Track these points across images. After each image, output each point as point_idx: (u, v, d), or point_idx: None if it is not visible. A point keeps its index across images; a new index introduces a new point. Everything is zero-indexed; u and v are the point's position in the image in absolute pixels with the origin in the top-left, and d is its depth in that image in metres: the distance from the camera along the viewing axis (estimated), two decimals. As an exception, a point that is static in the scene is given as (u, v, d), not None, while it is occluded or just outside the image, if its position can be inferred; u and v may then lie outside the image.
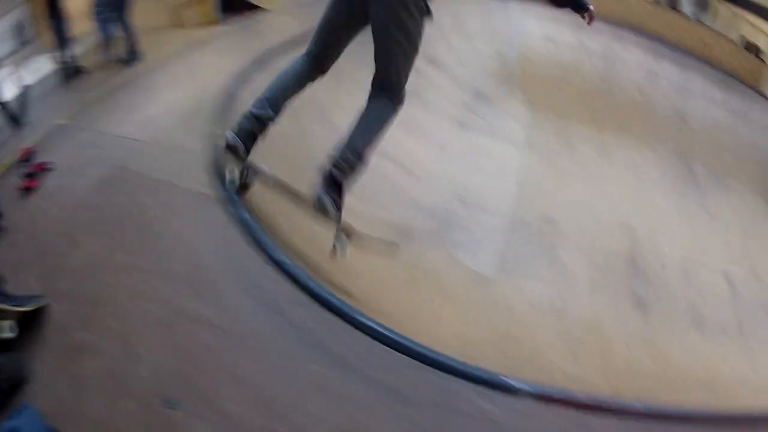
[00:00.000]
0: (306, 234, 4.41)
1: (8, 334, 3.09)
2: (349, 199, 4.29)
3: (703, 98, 12.48)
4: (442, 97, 8.61)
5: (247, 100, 4.35)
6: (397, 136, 6.56)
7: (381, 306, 4.18)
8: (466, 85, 9.54)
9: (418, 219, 5.90)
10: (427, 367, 3.15)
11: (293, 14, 9.42)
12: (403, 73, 4.00)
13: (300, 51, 4.23)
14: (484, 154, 7.93)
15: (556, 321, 5.48)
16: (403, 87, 4.09)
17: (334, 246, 3.99)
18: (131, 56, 7.43)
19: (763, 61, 14.31)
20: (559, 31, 12.11)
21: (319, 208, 3.83)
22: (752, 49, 14.74)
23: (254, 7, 12.85)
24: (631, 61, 12.42)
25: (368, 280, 4.59)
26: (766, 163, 11.64)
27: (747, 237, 8.96)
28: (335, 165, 3.85)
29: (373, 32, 3.86)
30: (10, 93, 5.89)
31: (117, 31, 7.42)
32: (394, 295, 4.67)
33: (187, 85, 6.30)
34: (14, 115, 5.67)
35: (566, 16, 10.68)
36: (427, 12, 3.81)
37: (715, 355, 6.15)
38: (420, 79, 8.19)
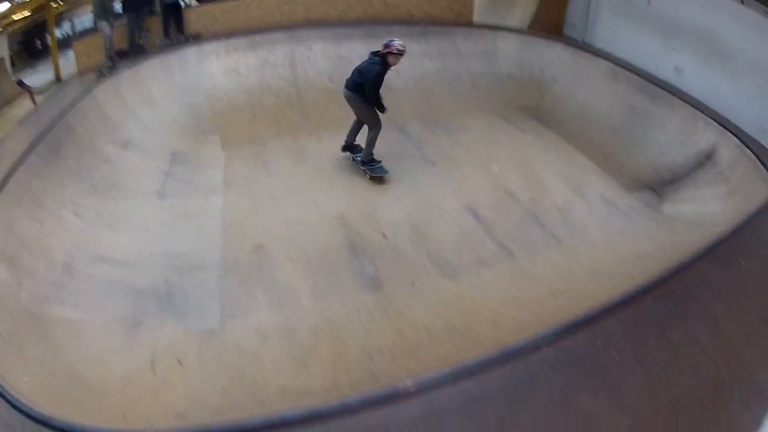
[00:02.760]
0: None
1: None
2: (70, 313, 5.66)
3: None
4: (140, 177, 9.00)
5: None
6: (102, 235, 7.47)
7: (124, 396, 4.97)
8: (162, 153, 9.93)
9: (141, 303, 6.34)
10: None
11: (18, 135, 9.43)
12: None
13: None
14: (187, 215, 8.25)
15: (285, 341, 5.90)
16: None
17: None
18: None
19: None
20: (240, 58, 12.74)
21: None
22: None
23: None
24: (317, 56, 13.02)
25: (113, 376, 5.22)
26: (487, 86, 13.00)
27: (490, 160, 9.87)
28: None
29: None
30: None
31: None
32: (138, 382, 5.24)
33: None
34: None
35: (243, 40, 11.19)
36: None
37: (475, 293, 6.73)
38: (116, 168, 9.04)
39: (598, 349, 4.19)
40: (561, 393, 3.74)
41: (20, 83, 24.92)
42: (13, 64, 27.05)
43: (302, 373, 5.42)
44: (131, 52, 12.63)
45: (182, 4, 13.63)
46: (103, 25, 12.20)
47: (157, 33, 13.24)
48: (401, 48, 8.87)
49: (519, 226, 8.06)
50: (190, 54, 12.51)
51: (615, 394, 3.84)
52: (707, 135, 9.29)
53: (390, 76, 11.77)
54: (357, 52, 12.77)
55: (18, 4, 24.39)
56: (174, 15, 13.26)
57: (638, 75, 11.25)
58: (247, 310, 6.37)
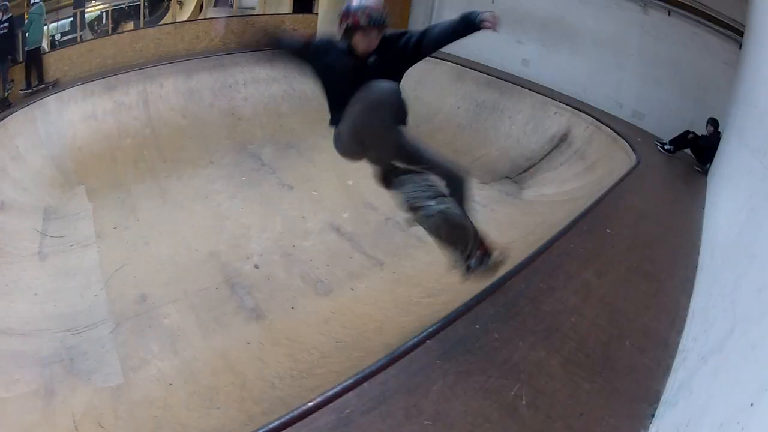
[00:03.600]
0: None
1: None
2: None
3: (246, 84, 14.10)
4: (18, 240, 8.99)
5: None
6: None
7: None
8: (35, 211, 9.94)
9: (48, 372, 6.40)
10: None
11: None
12: None
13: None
14: (69, 272, 8.26)
15: (189, 384, 6.08)
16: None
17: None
18: None
19: (312, 12, 16.46)
20: (96, 103, 12.90)
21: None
22: (305, 7, 16.77)
23: None
24: (169, 93, 13.39)
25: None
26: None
27: (344, 175, 10.39)
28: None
29: None
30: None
31: None
32: None
33: None
34: None
35: (98, 84, 11.23)
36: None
37: (354, 306, 7.15)
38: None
39: (478, 333, 4.38)
40: (453, 377, 3.88)
41: None
42: None
43: (214, 411, 5.58)
44: None
45: (42, 50, 13.73)
46: None
47: (19, 82, 13.27)
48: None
49: (382, 233, 8.71)
50: (51, 103, 12.46)
51: (504, 368, 4.00)
52: (559, 119, 10.16)
53: (239, 103, 12.99)
54: (207, 84, 13.55)
55: None
56: (34, 62, 13.37)
57: (486, 73, 12.09)
58: (145, 360, 6.54)
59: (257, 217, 9.37)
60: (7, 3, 12.57)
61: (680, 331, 4.73)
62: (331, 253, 8.36)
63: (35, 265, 8.42)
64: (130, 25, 27.69)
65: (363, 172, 9.51)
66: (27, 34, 13.09)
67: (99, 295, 7.73)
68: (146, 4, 15.97)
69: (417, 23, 15.15)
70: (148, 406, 5.80)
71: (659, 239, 6.82)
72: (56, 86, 13.43)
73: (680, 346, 4.48)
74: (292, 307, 7.28)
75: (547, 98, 10.72)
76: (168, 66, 13.81)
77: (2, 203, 9.79)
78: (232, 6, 16.90)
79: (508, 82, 11.66)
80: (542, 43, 11.64)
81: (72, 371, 6.41)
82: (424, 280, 7.34)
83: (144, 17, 15.43)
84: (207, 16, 17.30)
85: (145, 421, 5.55)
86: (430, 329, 4.39)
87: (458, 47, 13.03)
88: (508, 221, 8.49)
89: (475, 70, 12.39)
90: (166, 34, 15.09)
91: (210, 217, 9.53)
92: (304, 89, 13.81)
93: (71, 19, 27.97)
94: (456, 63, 12.90)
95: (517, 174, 9.93)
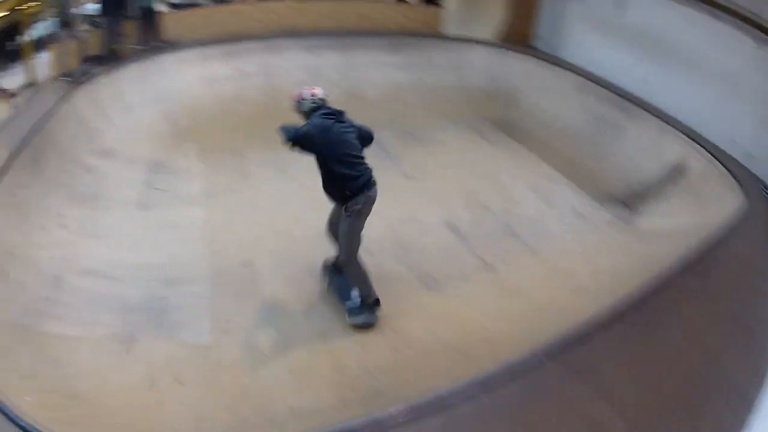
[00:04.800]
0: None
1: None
2: (63, 328, 5.83)
3: (371, 68, 13.55)
4: (120, 187, 9.06)
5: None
6: (88, 247, 7.50)
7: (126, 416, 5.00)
8: (141, 163, 9.99)
9: (132, 318, 6.33)
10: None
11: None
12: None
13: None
14: (171, 226, 8.21)
15: (283, 359, 5.86)
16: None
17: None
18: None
19: (440, 4, 15.80)
20: (214, 67, 12.77)
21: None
22: None
23: None
24: (290, 66, 13.08)
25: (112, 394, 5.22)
26: (458, 99, 13.27)
27: (464, 173, 10.01)
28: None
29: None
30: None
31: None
32: (138, 400, 5.26)
33: None
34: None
35: (218, 50, 11.10)
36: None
37: (462, 308, 6.77)
38: (97, 177, 9.07)
39: (592, 362, 4.37)
40: (568, 403, 3.91)
41: None
42: None
43: (307, 390, 5.41)
44: (107, 57, 12.48)
45: (157, 9, 13.61)
46: (62, 32, 11.99)
47: (132, 38, 13.14)
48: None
49: (496, 238, 8.16)
50: (166, 61, 12.47)
51: (612, 401, 4.00)
52: (676, 147, 9.49)
53: (363, 86, 12.57)
54: (331, 63, 13.16)
55: None
56: (149, 20, 13.23)
57: (607, 88, 11.49)
58: (240, 326, 6.32)
59: (377, 204, 8.59)
60: None
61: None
62: (444, 251, 7.89)
63: (136, 214, 8.44)
64: None
65: (483, 172, 9.91)
66: None
67: (201, 252, 7.63)
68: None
69: (543, 29, 14.50)
70: (234, 371, 5.68)
71: (764, 293, 6.34)
72: (172, 46, 13.29)
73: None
74: (400, 299, 6.83)
75: (667, 124, 10.02)
76: (292, 40, 13.60)
77: (108, 150, 9.92)
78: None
79: (629, 101, 10.91)
80: (663, 64, 10.90)
81: (158, 322, 6.31)
82: (534, 295, 6.96)
83: None
84: None
85: (230, 387, 5.44)
86: (548, 348, 4.38)
87: (581, 58, 12.59)
88: (620, 249, 7.97)
89: (596, 83, 11.71)
90: (290, 8, 14.77)
91: (325, 197, 8.89)
92: (430, 81, 13.57)
93: None
94: (578, 74, 12.26)
95: (630, 199, 9.31)
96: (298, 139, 6.00)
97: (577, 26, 13.35)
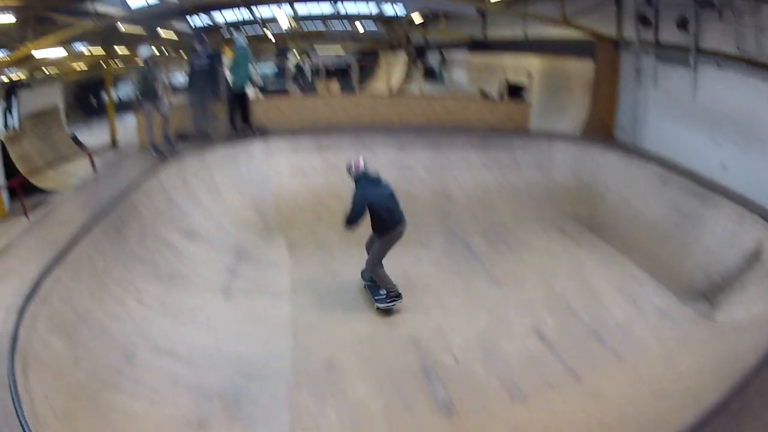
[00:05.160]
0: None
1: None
2: (132, 403, 5.55)
3: (460, 168, 13.31)
4: (204, 270, 8.97)
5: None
6: (164, 325, 7.30)
7: None
8: (227, 248, 9.98)
9: (206, 404, 6.11)
10: None
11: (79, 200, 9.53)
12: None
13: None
14: (255, 317, 8.16)
15: None
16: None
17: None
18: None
19: (525, 100, 15.82)
20: (306, 158, 12.82)
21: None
22: (513, 93, 16.25)
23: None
24: (381, 163, 12.69)
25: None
26: (543, 198, 12.89)
27: (552, 278, 9.68)
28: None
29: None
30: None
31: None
32: None
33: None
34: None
35: (309, 141, 11.23)
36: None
37: (547, 418, 6.45)
38: (179, 257, 8.94)
39: None
40: None
41: (74, 139, 25.44)
42: (66, 116, 27.61)
43: None
44: (195, 136, 12.77)
45: (249, 95, 13.78)
46: (145, 104, 11.92)
47: (222, 121, 13.40)
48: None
49: (582, 345, 7.89)
50: (257, 148, 12.65)
51: None
52: (753, 233, 9.13)
53: (452, 186, 12.43)
54: (421, 161, 13.06)
55: (75, 55, 25.03)
56: (241, 105, 13.42)
57: (686, 177, 11.19)
58: (319, 427, 6.13)
59: (463, 309, 8.78)
60: (204, 36, 13.05)
61: None
62: (531, 358, 7.63)
63: (219, 300, 8.44)
64: (335, 85, 28.48)
65: (570, 274, 9.74)
66: (232, 75, 13.21)
67: (284, 347, 7.57)
68: (353, 68, 16.43)
69: (623, 119, 14.53)
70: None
71: None
72: (263, 133, 13.48)
73: None
74: (484, 408, 6.64)
75: (744, 209, 9.61)
76: (383, 136, 13.67)
77: (193, 231, 9.85)
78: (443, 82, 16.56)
79: (709, 189, 10.58)
80: (739, 145, 10.76)
81: (234, 412, 6.16)
82: (618, 403, 6.67)
83: (350, 80, 15.43)
84: (422, 92, 17.39)
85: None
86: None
87: (660, 145, 12.47)
88: (700, 346, 7.59)
89: (677, 174, 11.40)
90: (381, 103, 15.03)
91: (413, 299, 8.97)
92: (516, 181, 13.37)
93: (275, 69, 29.40)
94: (659, 164, 12.01)
95: (711, 291, 8.89)
96: (354, 215, 8.41)
97: (655, 112, 13.30)
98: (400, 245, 9.54)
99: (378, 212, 8.44)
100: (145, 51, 11.97)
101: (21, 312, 5.49)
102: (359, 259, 9.81)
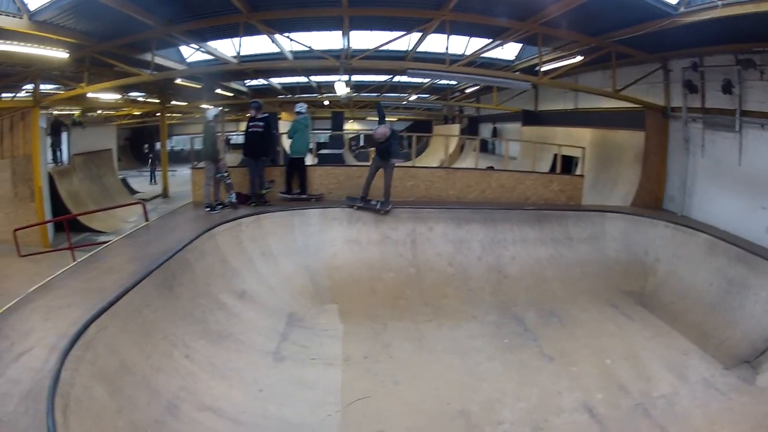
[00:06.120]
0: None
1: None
2: None
3: (515, 243, 13.26)
4: (254, 333, 8.95)
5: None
6: (212, 384, 7.28)
7: None
8: (278, 312, 10.00)
9: None
10: None
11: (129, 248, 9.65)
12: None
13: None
14: (303, 383, 8.10)
15: None
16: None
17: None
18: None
19: (576, 174, 15.89)
20: (363, 230, 12.89)
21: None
22: (565, 166, 16.64)
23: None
24: (437, 237, 13.07)
25: None
26: (595, 272, 12.80)
27: (602, 353, 9.59)
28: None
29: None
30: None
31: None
32: None
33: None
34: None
35: (368, 215, 11.32)
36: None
37: None
38: (230, 317, 8.97)
39: None
40: None
41: (125, 183, 25.94)
42: (118, 159, 28.17)
43: None
44: (251, 199, 12.93)
45: (307, 161, 13.94)
46: (206, 164, 12.38)
47: (279, 185, 13.62)
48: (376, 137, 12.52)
49: (630, 420, 7.81)
50: (314, 216, 12.79)
51: None
52: None
53: (506, 261, 12.57)
54: (476, 237, 13.08)
55: (129, 100, 25.72)
56: (298, 171, 13.61)
57: (734, 244, 11.18)
58: None
59: (514, 384, 8.72)
60: (260, 102, 13.10)
61: None
62: None
63: (268, 363, 8.44)
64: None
65: (620, 350, 9.67)
66: (291, 141, 13.44)
67: (333, 416, 7.49)
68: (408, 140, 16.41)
69: (672, 189, 14.87)
70: None
71: None
72: (320, 201, 13.68)
73: None
74: None
75: None
76: (438, 210, 13.70)
77: (244, 292, 9.86)
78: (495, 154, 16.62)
79: (756, 255, 10.59)
80: None
81: None
82: None
83: (405, 150, 15.59)
84: (476, 165, 17.75)
85: None
86: None
87: (708, 213, 12.79)
88: (741, 411, 7.75)
89: (725, 241, 11.42)
90: (438, 177, 14.95)
91: (466, 374, 8.99)
92: (569, 256, 13.24)
93: (330, 137, 29.91)
94: (709, 233, 12.01)
95: (754, 357, 8.91)
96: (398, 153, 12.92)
97: (703, 181, 13.52)
98: (453, 319, 10.60)
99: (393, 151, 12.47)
100: (212, 111, 12.43)
101: (65, 354, 5.48)
102: (412, 332, 10.11)
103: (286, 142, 14.49)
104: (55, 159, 22.90)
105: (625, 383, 8.59)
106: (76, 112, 24.71)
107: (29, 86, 16.67)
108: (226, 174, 12.60)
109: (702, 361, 9.00)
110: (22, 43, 12.49)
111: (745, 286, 10.10)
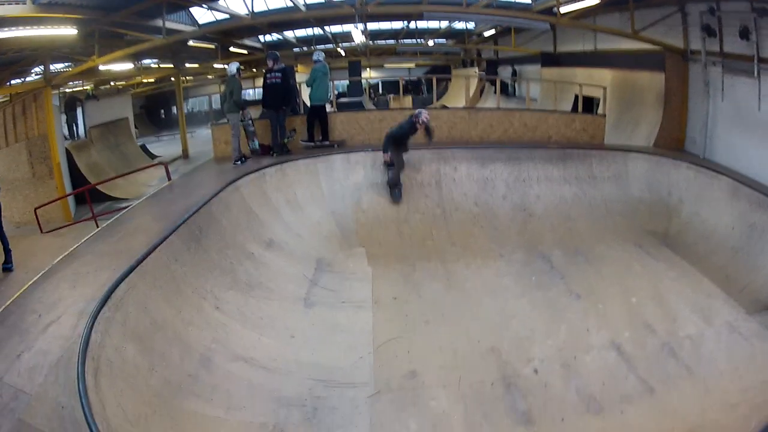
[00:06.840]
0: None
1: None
2: (207, 408, 5.66)
3: (539, 182, 13.19)
4: (284, 281, 8.99)
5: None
6: (244, 334, 7.34)
7: None
8: (307, 259, 10.01)
9: (283, 412, 6.18)
10: None
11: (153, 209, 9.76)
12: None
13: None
14: (335, 327, 8.17)
15: None
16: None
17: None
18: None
19: (598, 114, 15.57)
20: (385, 172, 12.77)
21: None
22: (586, 106, 16.37)
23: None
24: (462, 177, 13.03)
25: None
26: (620, 211, 12.64)
27: (628, 291, 9.54)
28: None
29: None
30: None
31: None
32: None
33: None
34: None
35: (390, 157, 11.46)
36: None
37: (623, 427, 6.54)
38: (259, 267, 9.00)
39: None
40: None
41: (145, 149, 26.15)
42: (135, 127, 28.34)
43: None
44: (274, 149, 12.94)
45: (327, 109, 13.91)
46: (231, 117, 12.54)
47: (300, 134, 13.60)
48: (424, 121, 12.08)
49: (657, 359, 7.86)
50: (337, 161, 12.76)
51: None
52: None
53: (531, 200, 12.48)
54: (501, 176, 12.99)
55: (143, 68, 25.77)
56: (319, 119, 13.56)
57: (757, 190, 10.93)
58: None
59: (543, 321, 8.77)
60: (278, 53, 13.03)
61: None
62: (608, 372, 7.65)
63: (298, 309, 8.51)
64: (408, 100, 28.25)
65: (646, 289, 9.62)
66: (311, 90, 13.38)
67: (365, 358, 7.58)
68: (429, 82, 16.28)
69: (693, 132, 14.45)
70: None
71: None
72: (341, 146, 13.66)
73: None
74: (563, 420, 6.71)
75: None
76: (462, 150, 13.61)
77: (271, 241, 9.89)
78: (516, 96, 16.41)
79: None
80: None
81: (312, 420, 6.26)
82: (687, 413, 6.78)
83: (423, 95, 15.46)
84: (498, 105, 17.73)
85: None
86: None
87: (730, 157, 12.31)
88: (763, 359, 7.63)
89: (747, 186, 11.10)
90: (461, 118, 14.76)
91: (496, 312, 9.01)
92: (593, 194, 13.04)
93: (347, 83, 29.87)
94: (730, 177, 11.67)
95: None
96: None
97: (723, 125, 13.16)
98: (481, 258, 10.65)
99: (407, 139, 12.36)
100: (233, 66, 12.52)
101: (94, 317, 5.52)
102: (440, 272, 10.12)
103: (305, 93, 14.42)
104: (72, 134, 23.28)
105: (652, 322, 8.61)
106: (89, 86, 24.79)
107: (39, 68, 16.64)
108: (250, 121, 12.74)
109: (725, 304, 8.88)
110: (29, 27, 12.38)
111: (766, 232, 9.98)
